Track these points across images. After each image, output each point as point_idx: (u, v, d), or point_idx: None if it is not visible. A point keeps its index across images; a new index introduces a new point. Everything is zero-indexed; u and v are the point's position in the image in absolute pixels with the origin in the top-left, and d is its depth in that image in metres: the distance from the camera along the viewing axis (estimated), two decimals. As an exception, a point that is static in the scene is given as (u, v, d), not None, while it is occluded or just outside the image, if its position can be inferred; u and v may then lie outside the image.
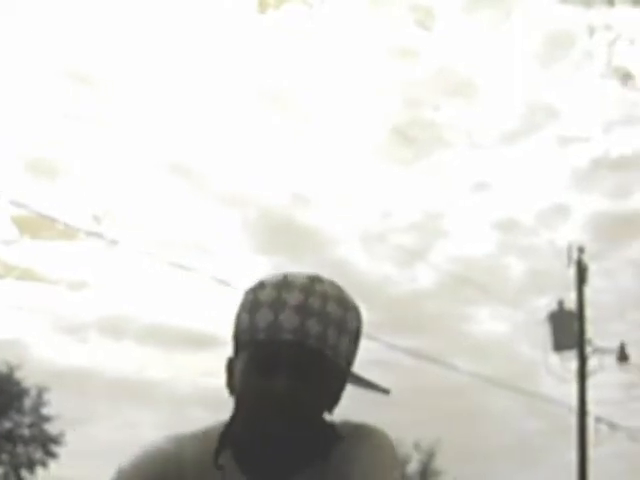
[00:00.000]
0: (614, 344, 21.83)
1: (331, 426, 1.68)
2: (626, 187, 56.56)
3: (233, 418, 1.66)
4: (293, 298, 1.59)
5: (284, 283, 1.62)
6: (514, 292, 42.24)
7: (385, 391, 1.87)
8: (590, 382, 21.41)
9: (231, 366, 1.68)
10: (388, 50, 42.47)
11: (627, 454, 31.32)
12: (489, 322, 45.35)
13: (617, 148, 47.66)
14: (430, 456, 30.31)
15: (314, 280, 1.63)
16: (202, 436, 1.68)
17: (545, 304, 22.08)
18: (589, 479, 20.95)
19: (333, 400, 1.67)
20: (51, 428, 29.78)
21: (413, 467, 30.33)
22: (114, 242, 14.98)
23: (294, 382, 1.57)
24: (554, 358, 21.63)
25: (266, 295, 1.61)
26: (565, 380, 21.41)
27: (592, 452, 21.38)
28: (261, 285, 1.64)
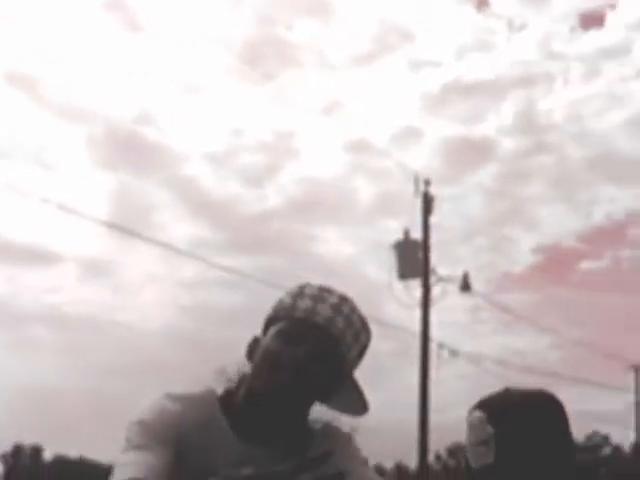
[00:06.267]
0: (460, 268, 22.32)
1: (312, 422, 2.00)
2: (476, 113, 57.54)
3: (239, 384, 1.96)
4: (331, 298, 1.99)
5: (326, 289, 2.01)
6: (363, 214, 42.64)
7: (364, 409, 2.03)
8: (434, 306, 21.89)
9: (254, 344, 1.99)
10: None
11: (468, 376, 32.50)
12: (337, 244, 45.82)
13: (469, 74, 48.16)
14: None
15: (348, 297, 2.02)
16: (198, 399, 1.96)
17: (393, 227, 22.32)
18: (430, 400, 21.56)
19: (331, 390, 1.97)
20: None
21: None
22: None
23: (313, 355, 1.90)
24: (399, 285, 21.97)
25: (310, 290, 2.00)
26: (409, 307, 21.81)
27: (434, 374, 21.99)
28: (307, 284, 2.02)
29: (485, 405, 1.90)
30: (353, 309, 2.01)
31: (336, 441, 2.00)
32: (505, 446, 1.82)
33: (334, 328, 1.95)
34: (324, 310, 1.96)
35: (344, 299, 2.01)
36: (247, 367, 1.99)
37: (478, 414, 1.89)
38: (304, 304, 1.97)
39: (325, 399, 2.00)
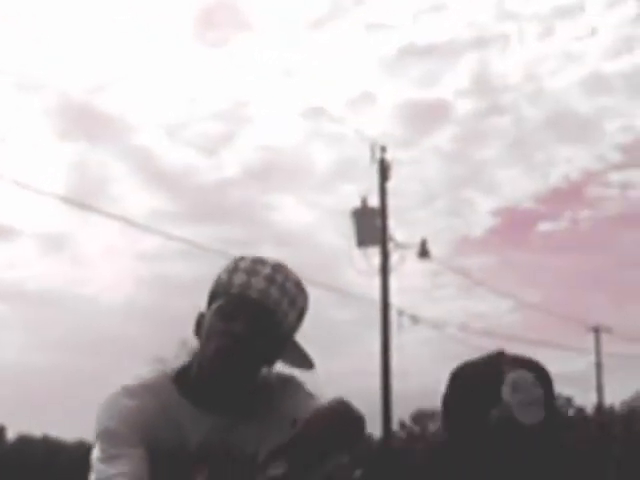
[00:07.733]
0: (417, 232, 22.32)
1: (263, 377, 2.12)
2: (432, 75, 57.51)
3: (192, 361, 2.09)
4: (265, 269, 2.08)
5: (259, 260, 2.11)
6: (321, 181, 42.39)
7: (310, 365, 2.16)
8: (393, 273, 21.86)
9: (200, 319, 2.11)
10: None
11: (430, 341, 32.65)
12: (295, 211, 45.64)
13: (424, 36, 47.87)
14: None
15: (282, 264, 2.12)
16: (153, 386, 2.06)
17: (351, 194, 22.21)
18: (392, 367, 21.57)
19: (273, 356, 2.10)
20: None
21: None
22: None
23: (249, 329, 2.02)
24: (357, 253, 21.90)
25: (244, 264, 2.10)
26: (369, 274, 21.77)
27: (396, 341, 21.98)
28: (242, 258, 2.12)
29: (529, 367, 2.04)
30: (287, 276, 2.11)
31: (295, 394, 2.12)
32: (549, 405, 2.03)
33: (268, 300, 2.06)
34: (258, 283, 2.06)
35: (277, 268, 2.11)
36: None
37: (528, 375, 2.02)
38: (238, 279, 2.07)
39: (269, 364, 2.13)
